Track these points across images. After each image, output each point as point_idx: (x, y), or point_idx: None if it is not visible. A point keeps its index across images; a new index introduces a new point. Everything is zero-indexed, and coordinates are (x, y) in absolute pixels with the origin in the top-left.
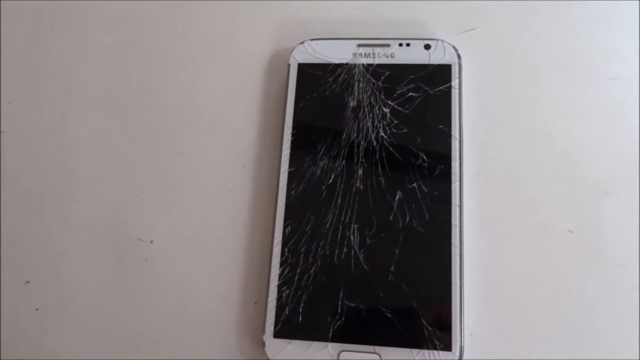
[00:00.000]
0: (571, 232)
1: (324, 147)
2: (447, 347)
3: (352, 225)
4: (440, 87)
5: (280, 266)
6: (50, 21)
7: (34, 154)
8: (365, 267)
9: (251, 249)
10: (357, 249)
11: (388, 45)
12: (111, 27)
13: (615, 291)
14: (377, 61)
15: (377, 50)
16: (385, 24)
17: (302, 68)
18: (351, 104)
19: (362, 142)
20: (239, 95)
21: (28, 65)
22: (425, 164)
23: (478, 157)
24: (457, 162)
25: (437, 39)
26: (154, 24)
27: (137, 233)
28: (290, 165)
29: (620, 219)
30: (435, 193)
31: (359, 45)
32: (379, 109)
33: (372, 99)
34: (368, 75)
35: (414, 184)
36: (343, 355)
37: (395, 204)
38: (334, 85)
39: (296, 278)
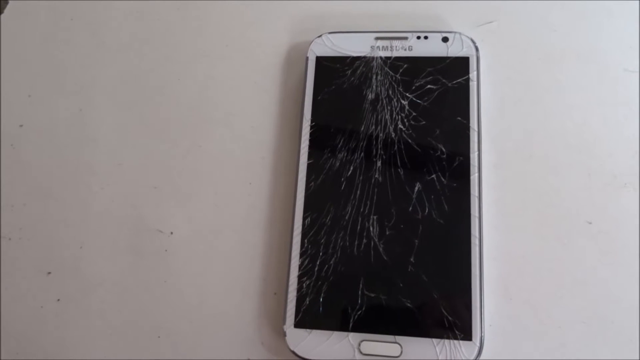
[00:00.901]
0: (590, 223)
1: (342, 140)
2: (468, 337)
3: (372, 217)
4: (459, 80)
5: (300, 257)
6: (68, 16)
7: (53, 148)
8: (385, 258)
9: (270, 240)
10: (376, 240)
11: (406, 38)
12: (128, 21)
13: (633, 282)
14: (395, 54)
15: (395, 43)
16: (403, 18)
17: (320, 61)
18: (369, 96)
19: (381, 135)
20: (256, 88)
21: (46, 60)
22: (444, 156)
23: (496, 150)
24: (476, 153)
25: (455, 32)
26: (171, 19)
27: (156, 225)
28: (309, 158)
29: (638, 210)
30: (454, 184)
31: (377, 39)
32: (397, 101)
33: (390, 92)
34: (386, 68)
35: (433, 176)
36: (364, 344)
37: (414, 195)
38: (352, 78)
39: (316, 269)
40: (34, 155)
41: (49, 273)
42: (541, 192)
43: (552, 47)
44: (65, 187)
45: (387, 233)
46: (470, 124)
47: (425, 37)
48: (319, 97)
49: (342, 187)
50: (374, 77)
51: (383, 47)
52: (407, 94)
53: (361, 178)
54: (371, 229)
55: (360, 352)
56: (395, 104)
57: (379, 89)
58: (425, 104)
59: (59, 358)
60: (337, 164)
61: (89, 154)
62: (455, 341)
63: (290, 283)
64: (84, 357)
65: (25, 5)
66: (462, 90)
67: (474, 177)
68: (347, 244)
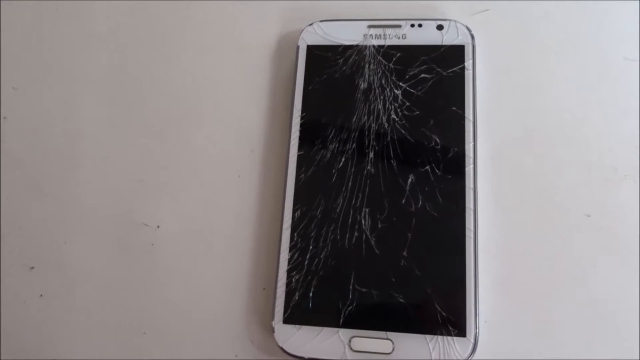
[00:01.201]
0: (589, 217)
1: (334, 130)
2: (462, 333)
3: (363, 209)
4: (454, 68)
5: (290, 251)
6: (52, 7)
7: (38, 141)
8: (377, 252)
9: (259, 234)
10: (368, 233)
11: (399, 26)
12: (114, 13)
13: (632, 276)
14: (388, 42)
15: (388, 31)
16: (396, 5)
17: (312, 50)
18: (362, 86)
19: (373, 125)
20: (246, 79)
21: (31, 52)
22: (439, 147)
23: (493, 141)
24: (471, 144)
25: (450, 19)
26: (159, 9)
27: (143, 218)
28: (299, 149)
29: (637, 203)
30: (449, 176)
31: (370, 27)
32: (390, 91)
33: (383, 81)
34: (379, 57)
35: (427, 167)
36: (355, 341)
37: (407, 188)
38: (344, 67)
39: (306, 263)
40: (18, 148)
41: (32, 268)
42: (539, 185)
43: (549, 36)
44: (50, 180)
45: (380, 226)
46: (466, 114)
47: (420, 25)
48: (310, 87)
49: (334, 179)
50: (367, 66)
51: (376, 35)
52: (400, 84)
53: (353, 170)
54: (363, 222)
55: (351, 349)
56: (389, 93)
57: (372, 78)
58: (419, 93)
59: (42, 356)
60: (328, 155)
61: (74, 147)
62: (449, 337)
63: (279, 278)
64: (68, 354)
65: None
66: (457, 80)
67: (469, 169)
68: (338, 237)
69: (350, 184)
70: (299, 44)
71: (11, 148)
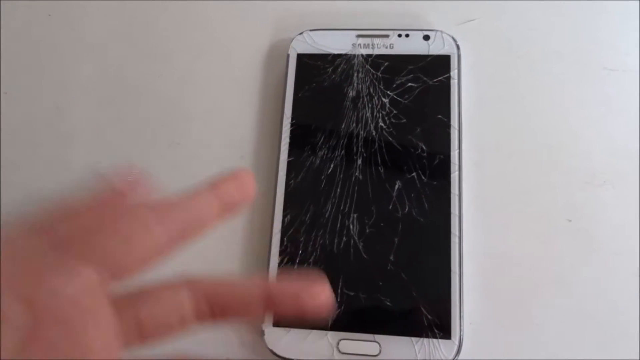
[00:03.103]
0: (570, 221)
1: (323, 137)
2: (447, 335)
3: (352, 215)
4: (440, 78)
5: (280, 255)
6: (45, 12)
7: (29, 146)
8: (365, 256)
9: (250, 239)
10: (356, 238)
11: (387, 36)
12: (106, 18)
13: (612, 279)
14: (376, 52)
15: (377, 40)
16: (384, 15)
17: (302, 58)
18: (350, 94)
19: (361, 132)
20: (236, 86)
21: (22, 57)
22: (425, 154)
23: (477, 148)
24: (457, 152)
25: (436, 30)
26: (150, 15)
27: None
28: (289, 155)
29: (617, 208)
30: (435, 183)
31: (359, 36)
32: (378, 99)
33: (371, 89)
34: (367, 66)
35: (414, 174)
36: (342, 343)
37: (394, 194)
38: (333, 76)
39: (295, 267)
40: (10, 153)
41: None
42: (521, 190)
43: (532, 46)
44: (41, 184)
45: (367, 231)
46: (451, 122)
47: (407, 35)
48: (300, 95)
49: (323, 185)
50: (355, 74)
51: (364, 44)
52: (388, 92)
53: (341, 176)
54: (351, 227)
55: (339, 351)
56: (376, 101)
57: (360, 86)
58: (406, 101)
59: None
60: (318, 161)
61: (65, 152)
62: (434, 340)
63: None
64: None
65: (1, 1)
66: (443, 88)
67: (454, 176)
68: (327, 242)
69: (339, 189)
70: (289, 52)
71: (2, 153)
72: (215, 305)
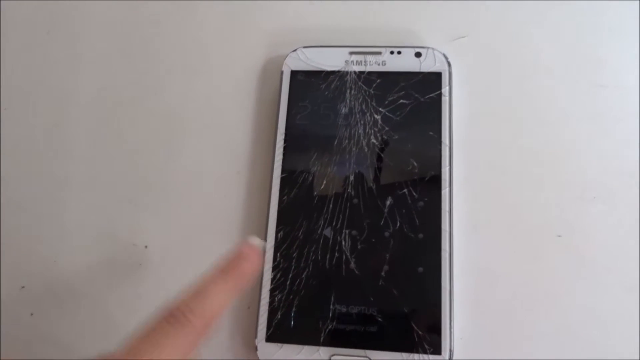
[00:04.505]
0: (560, 236)
1: (316, 154)
2: (437, 351)
3: (344, 231)
4: (431, 95)
5: (273, 271)
6: (44, 29)
7: (28, 161)
8: (357, 272)
9: None
10: (348, 254)
11: (379, 53)
12: (104, 36)
13: (602, 294)
14: (368, 68)
15: (369, 58)
16: (377, 33)
17: (295, 75)
18: (343, 110)
19: (354, 149)
20: (232, 102)
21: (21, 73)
22: (416, 170)
23: (468, 163)
24: (447, 168)
25: (428, 47)
26: (147, 32)
27: (131, 238)
28: (282, 171)
29: (607, 223)
30: (426, 199)
31: (351, 53)
32: (370, 115)
33: (363, 106)
34: (360, 83)
35: (405, 190)
36: (334, 359)
37: (386, 210)
38: (326, 92)
39: (288, 283)
40: (8, 168)
41: (23, 287)
42: (512, 206)
43: (523, 62)
44: (40, 200)
45: (359, 247)
46: (442, 139)
47: (399, 52)
48: (293, 111)
49: (315, 201)
50: (348, 91)
51: (357, 61)
52: (380, 109)
53: (334, 192)
54: (343, 242)
55: None
56: (369, 118)
57: (353, 103)
58: (398, 118)
59: None
60: (310, 178)
61: (64, 167)
62: (425, 355)
63: (262, 297)
64: None
65: (2, 18)
66: (434, 105)
67: (445, 192)
68: (319, 257)
69: (331, 205)
70: (283, 69)
71: (1, 168)
72: None
